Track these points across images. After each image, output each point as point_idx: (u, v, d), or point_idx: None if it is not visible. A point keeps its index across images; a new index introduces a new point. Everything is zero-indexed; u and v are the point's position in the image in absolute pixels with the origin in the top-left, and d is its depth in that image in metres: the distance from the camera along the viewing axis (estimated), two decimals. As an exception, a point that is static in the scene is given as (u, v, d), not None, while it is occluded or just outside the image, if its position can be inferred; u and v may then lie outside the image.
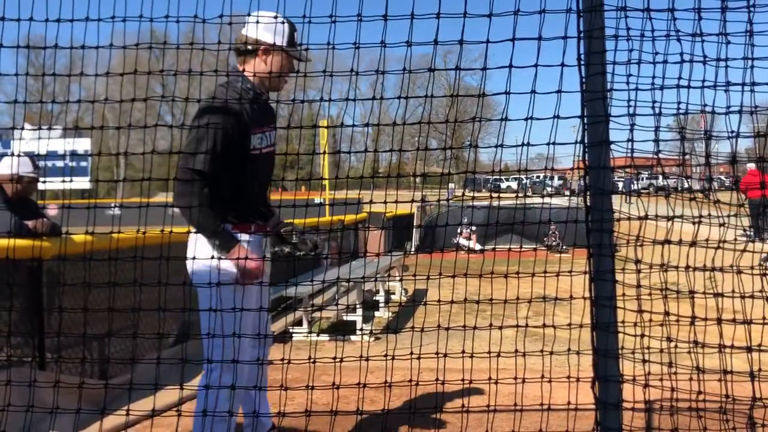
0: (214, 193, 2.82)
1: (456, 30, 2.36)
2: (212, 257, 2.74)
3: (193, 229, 2.90)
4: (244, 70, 2.99)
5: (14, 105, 2.46)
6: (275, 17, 2.91)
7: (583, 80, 2.25)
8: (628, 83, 2.24)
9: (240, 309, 2.60)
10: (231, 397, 2.71)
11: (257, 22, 2.91)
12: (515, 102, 2.49)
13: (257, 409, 3.13)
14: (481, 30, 2.36)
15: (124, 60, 2.39)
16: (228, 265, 2.79)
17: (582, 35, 2.25)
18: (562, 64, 2.26)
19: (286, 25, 2.94)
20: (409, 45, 2.30)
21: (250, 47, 2.94)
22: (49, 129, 2.49)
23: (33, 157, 5.21)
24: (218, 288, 2.60)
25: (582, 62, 2.24)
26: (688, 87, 2.24)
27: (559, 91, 2.28)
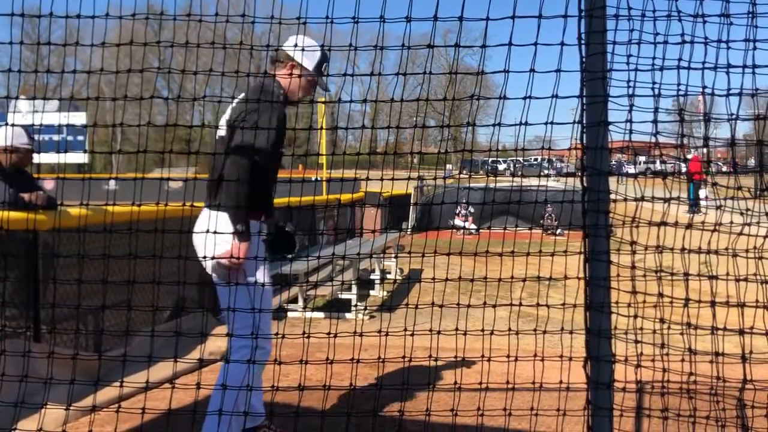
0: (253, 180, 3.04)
1: (456, 7, 2.34)
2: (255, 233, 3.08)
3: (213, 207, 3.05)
4: (275, 75, 3.27)
5: (8, 75, 2.44)
6: (320, 46, 3.20)
7: (583, 59, 2.23)
8: (628, 63, 2.22)
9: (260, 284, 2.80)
10: (253, 371, 2.84)
11: (300, 47, 3.18)
12: (514, 83, 2.48)
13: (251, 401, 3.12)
14: (481, 7, 2.34)
15: (120, 32, 2.36)
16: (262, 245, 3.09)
17: (583, 14, 2.23)
18: (562, 43, 2.24)
19: (319, 52, 3.22)
20: (409, 21, 2.27)
21: (282, 60, 3.26)
22: (44, 99, 2.47)
23: (28, 128, 5.17)
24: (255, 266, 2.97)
25: (582, 41, 2.22)
26: (689, 68, 2.22)
27: (558, 71, 2.27)
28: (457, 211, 16.85)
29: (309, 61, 3.24)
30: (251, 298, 2.81)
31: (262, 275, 3.04)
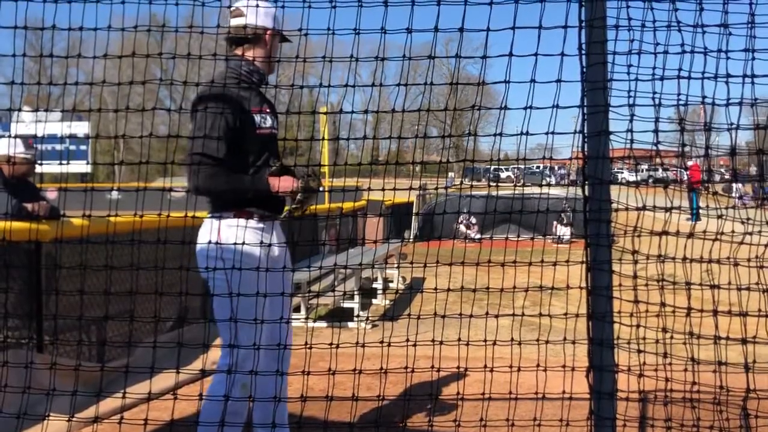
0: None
1: (457, 18, 2.35)
2: (234, 243, 2.75)
3: (209, 214, 2.93)
4: (243, 55, 3.02)
5: (11, 87, 2.45)
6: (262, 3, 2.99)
7: (584, 70, 2.24)
8: (628, 73, 2.23)
9: (264, 295, 2.59)
10: (250, 384, 2.71)
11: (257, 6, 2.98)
12: (515, 91, 2.49)
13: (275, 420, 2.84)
14: (482, 17, 2.35)
15: (122, 43, 2.38)
16: (251, 249, 2.82)
17: (583, 24, 2.24)
18: (563, 54, 2.25)
19: (275, 9, 3.03)
20: (410, 32, 2.28)
21: (252, 37, 2.98)
22: (47, 111, 2.48)
23: (28, 138, 5.20)
24: (240, 273, 2.60)
25: (583, 52, 2.23)
26: (689, 78, 2.23)
27: (558, 81, 2.28)
28: (461, 220, 16.83)
29: (272, 20, 3.04)
30: (236, 314, 2.64)
31: (264, 289, 2.64)
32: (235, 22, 3.01)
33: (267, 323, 2.71)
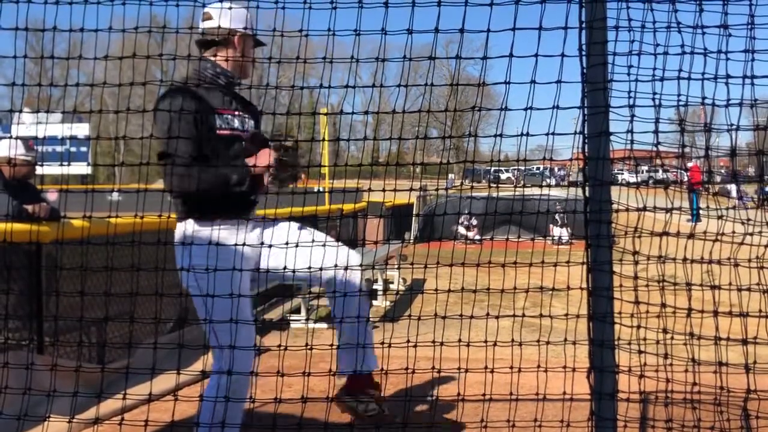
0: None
1: (457, 19, 2.35)
2: (209, 243, 2.73)
3: (181, 216, 2.90)
4: (215, 57, 3.00)
5: (12, 88, 2.45)
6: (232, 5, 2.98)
7: (584, 70, 2.24)
8: (628, 74, 2.23)
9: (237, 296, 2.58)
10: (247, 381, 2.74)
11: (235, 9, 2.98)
12: (516, 93, 2.49)
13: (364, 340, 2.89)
14: (483, 19, 2.35)
15: (123, 44, 2.38)
16: (224, 253, 2.77)
17: (583, 26, 2.24)
18: (563, 55, 2.25)
19: (246, 11, 3.01)
20: (410, 33, 2.29)
21: (218, 37, 2.95)
22: (48, 112, 2.48)
23: (28, 140, 5.22)
24: (215, 274, 2.59)
25: (583, 53, 2.24)
26: (689, 79, 2.23)
27: (559, 81, 2.28)
28: (461, 221, 16.84)
29: (242, 22, 3.01)
30: (218, 315, 2.64)
31: (237, 289, 2.68)
32: (204, 25, 2.99)
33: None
